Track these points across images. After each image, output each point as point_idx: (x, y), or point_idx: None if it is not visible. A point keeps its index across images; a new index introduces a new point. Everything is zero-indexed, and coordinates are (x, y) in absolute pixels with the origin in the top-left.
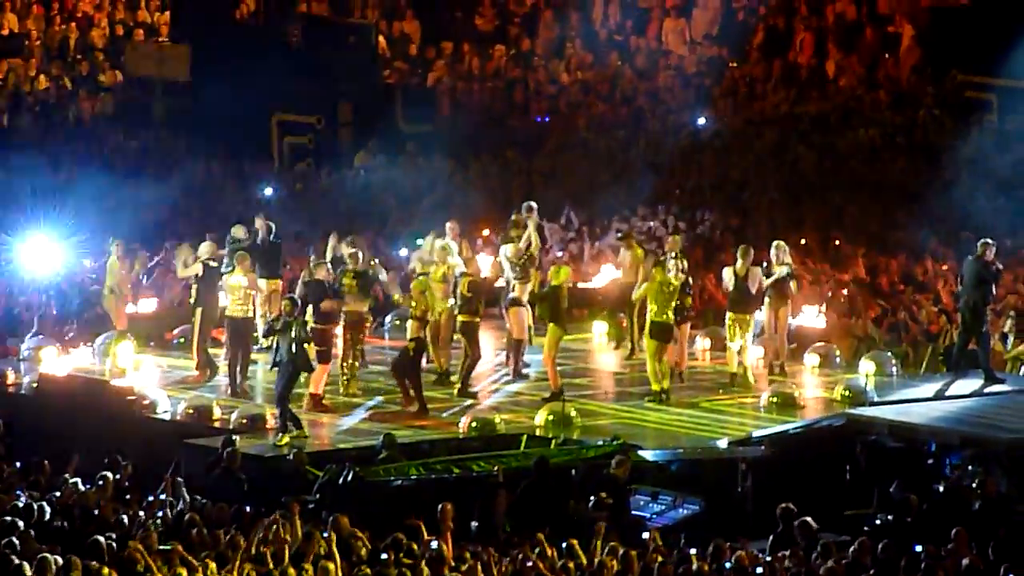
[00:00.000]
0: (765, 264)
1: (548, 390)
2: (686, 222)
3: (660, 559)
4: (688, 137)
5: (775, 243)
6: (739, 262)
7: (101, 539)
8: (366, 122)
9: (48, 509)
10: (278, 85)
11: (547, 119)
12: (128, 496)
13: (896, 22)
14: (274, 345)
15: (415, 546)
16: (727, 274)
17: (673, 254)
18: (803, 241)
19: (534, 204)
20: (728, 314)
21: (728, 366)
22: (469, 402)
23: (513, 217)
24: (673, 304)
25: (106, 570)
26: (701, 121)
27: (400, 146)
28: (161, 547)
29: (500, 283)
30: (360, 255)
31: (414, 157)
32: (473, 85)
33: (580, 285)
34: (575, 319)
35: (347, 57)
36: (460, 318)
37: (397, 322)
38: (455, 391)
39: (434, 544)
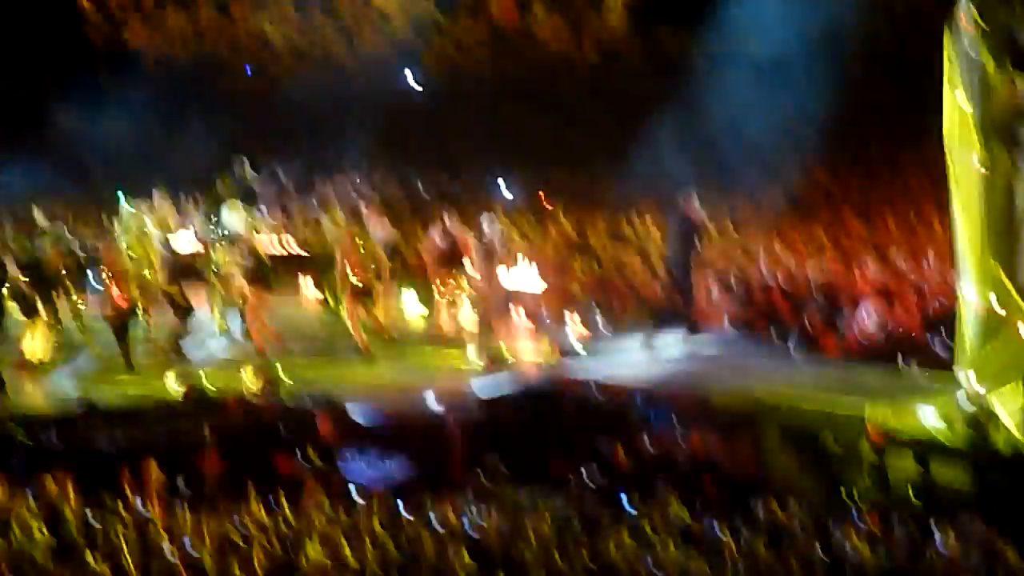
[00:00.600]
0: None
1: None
2: (396, 182)
3: (369, 517)
4: (396, 97)
5: (487, 211)
6: (448, 222)
7: None
8: (68, 83)
9: None
10: None
11: (249, 74)
12: None
13: None
14: None
15: (122, 506)
16: (437, 234)
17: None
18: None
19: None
20: (437, 272)
21: (441, 326)
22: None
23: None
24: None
25: None
26: (411, 83)
27: (102, 105)
28: None
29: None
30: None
31: (118, 117)
32: (176, 44)
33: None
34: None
35: (45, 15)
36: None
37: None
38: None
39: (139, 504)
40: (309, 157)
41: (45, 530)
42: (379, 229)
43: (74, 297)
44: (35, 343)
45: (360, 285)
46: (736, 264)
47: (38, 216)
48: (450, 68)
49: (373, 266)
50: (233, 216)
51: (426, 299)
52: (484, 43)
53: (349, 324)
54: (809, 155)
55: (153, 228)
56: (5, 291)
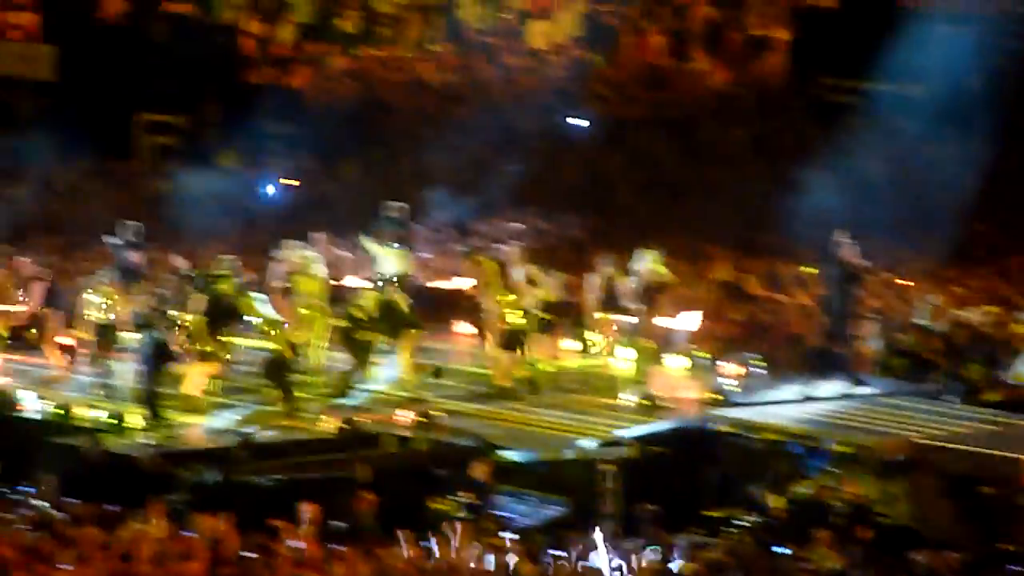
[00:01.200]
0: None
1: (410, 391)
2: (551, 224)
3: (522, 559)
4: (554, 139)
5: (643, 249)
6: (607, 265)
7: None
8: (231, 123)
9: None
10: (143, 85)
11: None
12: None
13: (763, 25)
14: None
15: (279, 546)
16: (595, 277)
17: (518, 264)
18: (667, 243)
19: (405, 205)
20: (596, 316)
21: (596, 367)
22: (336, 402)
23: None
24: (521, 310)
25: None
26: (575, 122)
27: (265, 147)
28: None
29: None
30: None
31: (278, 158)
32: (338, 86)
33: (444, 286)
34: (440, 319)
35: (212, 57)
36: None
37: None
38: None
39: (297, 544)
40: (467, 199)
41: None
42: (532, 271)
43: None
44: (201, 381)
45: (513, 326)
46: (895, 311)
47: (218, 260)
48: (607, 110)
49: (525, 308)
50: (393, 258)
51: (582, 341)
52: (642, 85)
53: (499, 365)
54: (971, 203)
55: (318, 270)
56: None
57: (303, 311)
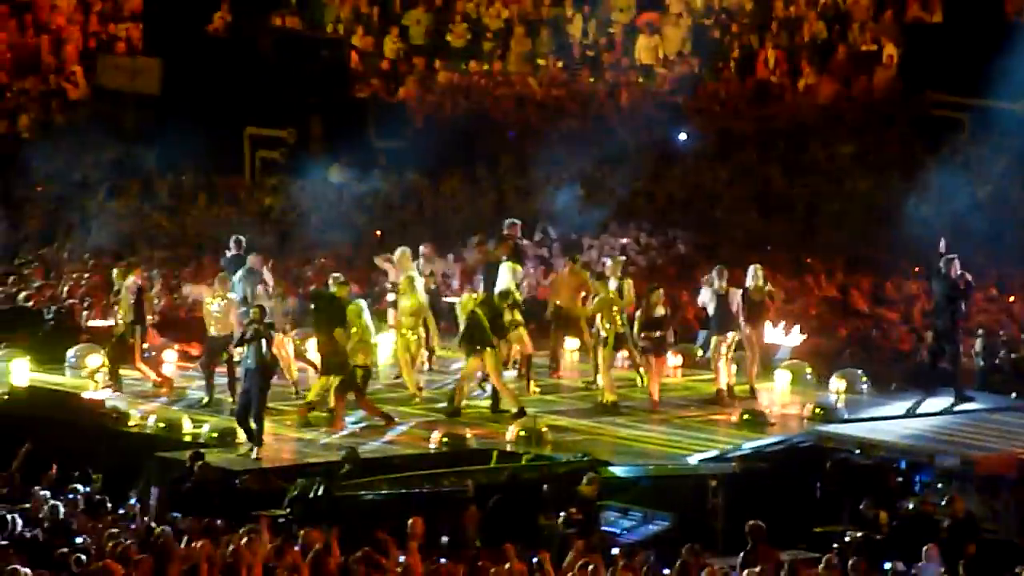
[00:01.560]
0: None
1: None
2: (657, 239)
3: (629, 574)
4: (660, 154)
5: (752, 265)
6: (717, 281)
7: (68, 552)
8: (338, 136)
9: (19, 521)
10: (250, 99)
11: (512, 135)
12: (98, 509)
13: (869, 40)
14: (244, 354)
15: (385, 560)
16: (706, 293)
17: (616, 275)
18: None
19: (517, 221)
20: (714, 334)
21: (711, 384)
22: (440, 417)
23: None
24: (619, 320)
25: None
26: (682, 137)
27: (372, 161)
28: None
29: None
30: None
31: (386, 172)
32: (445, 100)
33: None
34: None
35: (319, 71)
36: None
37: None
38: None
39: (402, 559)
40: (574, 214)
41: None
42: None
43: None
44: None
45: (613, 342)
46: (1003, 328)
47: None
48: (714, 125)
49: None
50: (507, 275)
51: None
52: (749, 100)
53: (602, 381)
54: None
55: (418, 286)
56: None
57: (403, 327)
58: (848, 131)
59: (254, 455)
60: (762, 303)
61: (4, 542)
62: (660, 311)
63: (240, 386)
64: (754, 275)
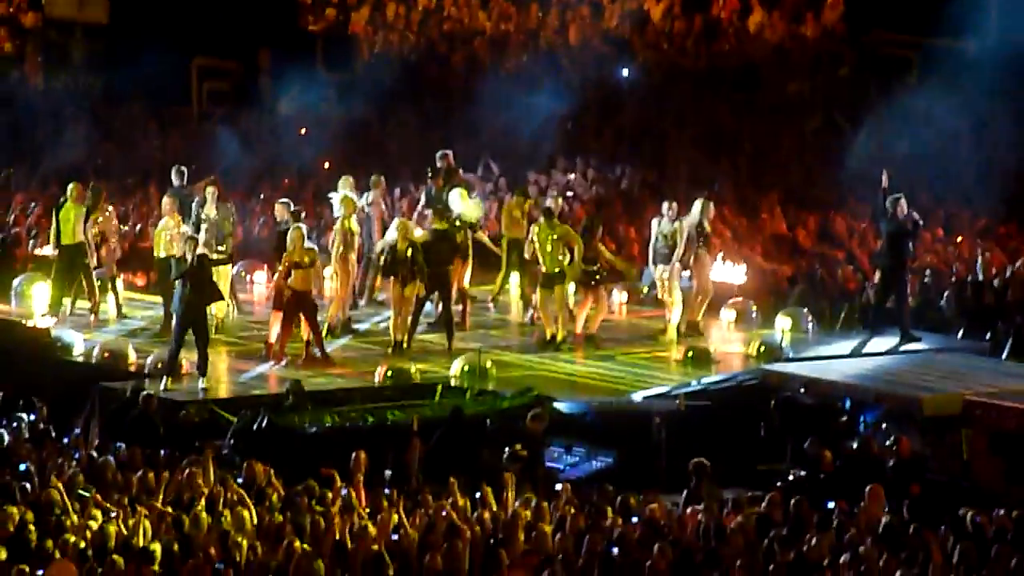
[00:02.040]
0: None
1: (466, 341)
2: (604, 175)
3: (572, 511)
4: (607, 90)
5: (699, 200)
6: (665, 216)
7: (13, 481)
8: (287, 69)
9: None
10: (198, 30)
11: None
12: (43, 438)
13: None
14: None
15: (328, 493)
16: (656, 227)
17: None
18: (720, 196)
19: (448, 151)
20: (656, 268)
21: (656, 321)
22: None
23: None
24: (559, 257)
25: (15, 510)
26: (625, 73)
27: (319, 94)
28: (80, 490)
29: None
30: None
31: (333, 105)
32: (394, 35)
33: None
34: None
35: (267, 2)
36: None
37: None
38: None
39: (344, 492)
40: (518, 150)
41: (252, 514)
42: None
43: None
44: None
45: (550, 277)
46: (949, 268)
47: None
48: (661, 61)
49: (562, 258)
50: (461, 204)
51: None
52: (697, 37)
53: (541, 315)
54: None
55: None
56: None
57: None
58: (796, 70)
59: (200, 385)
60: (708, 239)
61: None
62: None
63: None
64: (701, 210)
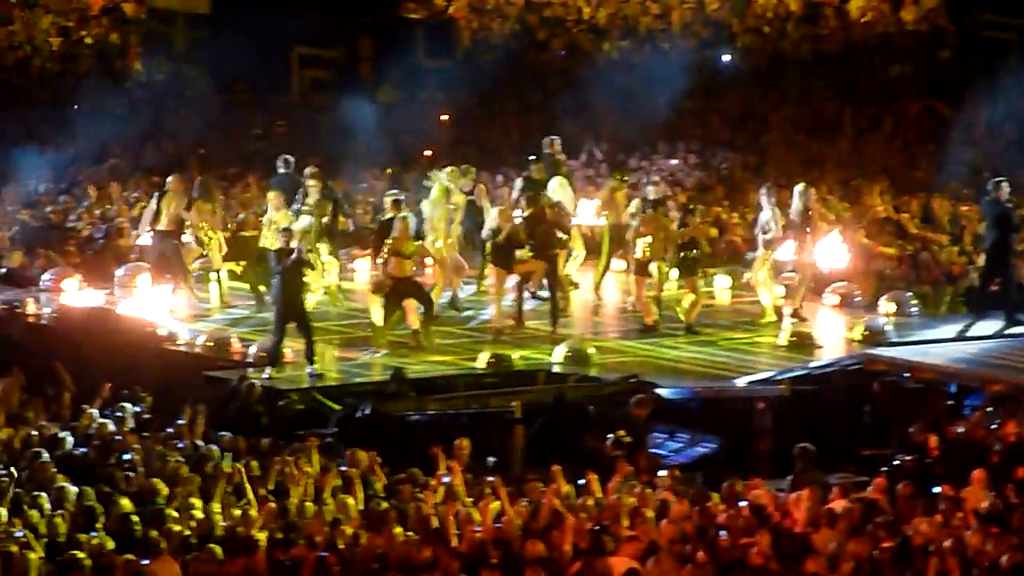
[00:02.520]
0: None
1: (569, 327)
2: (705, 160)
3: (676, 497)
4: (708, 75)
5: (800, 185)
6: (766, 201)
7: (119, 471)
8: (386, 57)
9: (70, 439)
10: (299, 19)
11: (563, 54)
12: (147, 428)
13: None
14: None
15: (431, 480)
16: (751, 213)
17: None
18: (823, 181)
19: (555, 137)
20: (750, 253)
21: (749, 304)
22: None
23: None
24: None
25: (124, 500)
26: (725, 58)
27: (420, 81)
28: (183, 480)
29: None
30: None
31: (434, 93)
32: (494, 21)
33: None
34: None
35: None
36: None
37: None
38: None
39: (446, 479)
40: (620, 135)
41: (355, 500)
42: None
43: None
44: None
45: (645, 264)
46: None
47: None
48: (763, 46)
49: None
50: (561, 192)
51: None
52: (798, 21)
53: (637, 302)
54: None
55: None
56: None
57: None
58: (898, 54)
59: (309, 371)
60: (810, 225)
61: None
62: (697, 233)
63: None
64: (802, 195)
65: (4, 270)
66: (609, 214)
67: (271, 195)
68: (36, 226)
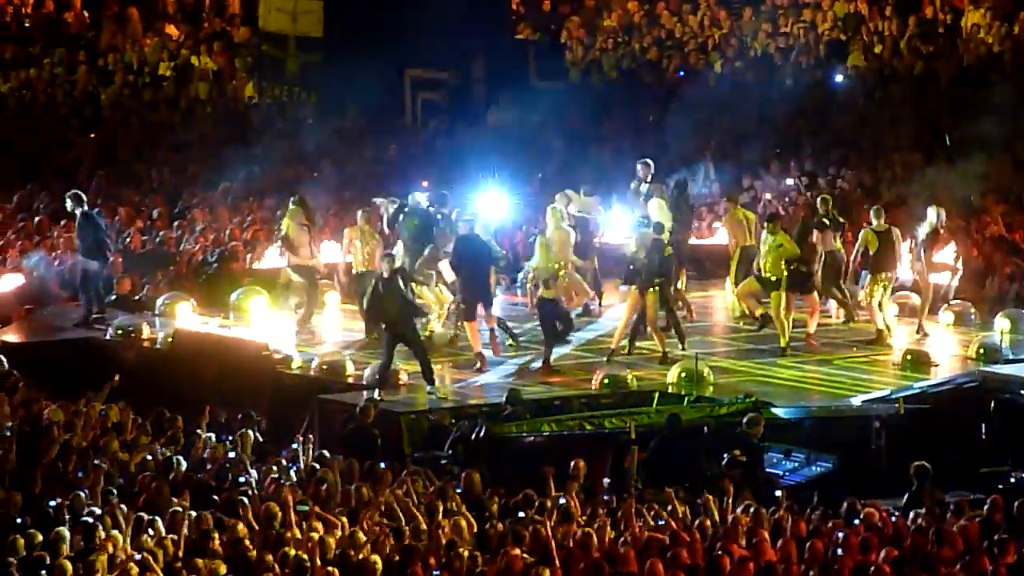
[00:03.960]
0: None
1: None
2: (820, 180)
3: (792, 516)
4: (822, 93)
5: (933, 206)
6: (875, 221)
7: (235, 495)
8: (499, 79)
9: (184, 463)
10: (411, 41)
11: (681, 74)
12: (262, 451)
13: None
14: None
15: (547, 502)
16: (866, 234)
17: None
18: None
19: (648, 160)
20: (874, 273)
21: (869, 324)
22: (601, 359)
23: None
24: (782, 265)
25: (240, 525)
26: (838, 78)
27: (533, 103)
28: (298, 503)
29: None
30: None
31: (547, 115)
32: (606, 42)
33: (711, 242)
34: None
35: (480, 13)
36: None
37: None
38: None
39: (561, 500)
40: (736, 155)
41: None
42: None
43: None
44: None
45: (766, 282)
46: None
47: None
48: (877, 63)
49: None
50: (659, 212)
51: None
52: (911, 38)
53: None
54: None
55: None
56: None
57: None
58: (1012, 69)
59: (429, 393)
60: (929, 243)
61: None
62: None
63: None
64: (934, 215)
65: (115, 296)
66: (734, 234)
67: (359, 215)
68: (143, 251)
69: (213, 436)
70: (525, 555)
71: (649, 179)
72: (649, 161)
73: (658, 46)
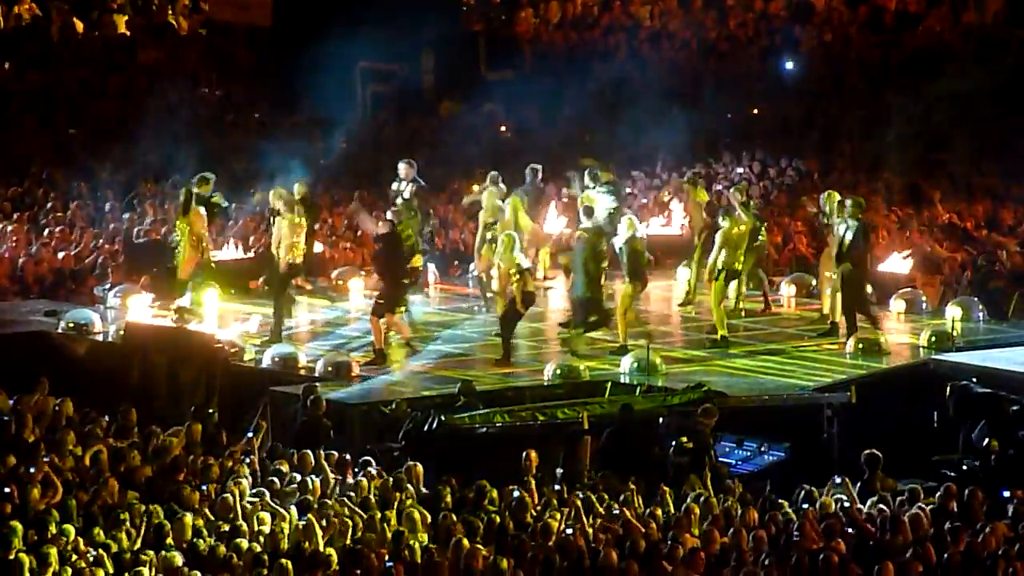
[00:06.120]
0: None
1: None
2: (770, 167)
3: (740, 506)
4: (772, 82)
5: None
6: (827, 208)
7: (187, 487)
8: (449, 70)
9: (137, 456)
10: (361, 32)
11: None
12: (213, 443)
13: None
14: None
15: (495, 493)
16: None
17: (742, 201)
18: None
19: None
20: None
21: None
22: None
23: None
24: (741, 251)
25: (188, 517)
26: (788, 66)
27: (484, 94)
28: (251, 495)
29: None
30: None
31: (497, 105)
32: (556, 33)
33: (665, 232)
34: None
35: (431, 4)
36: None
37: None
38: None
39: (516, 492)
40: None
41: (423, 512)
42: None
43: None
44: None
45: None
46: None
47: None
48: (826, 52)
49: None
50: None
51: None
52: (862, 27)
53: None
54: None
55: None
56: None
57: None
58: (960, 60)
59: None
60: (871, 230)
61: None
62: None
63: None
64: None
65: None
66: (693, 219)
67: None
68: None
69: (161, 429)
70: (477, 545)
71: (411, 178)
72: (412, 161)
73: (608, 36)
